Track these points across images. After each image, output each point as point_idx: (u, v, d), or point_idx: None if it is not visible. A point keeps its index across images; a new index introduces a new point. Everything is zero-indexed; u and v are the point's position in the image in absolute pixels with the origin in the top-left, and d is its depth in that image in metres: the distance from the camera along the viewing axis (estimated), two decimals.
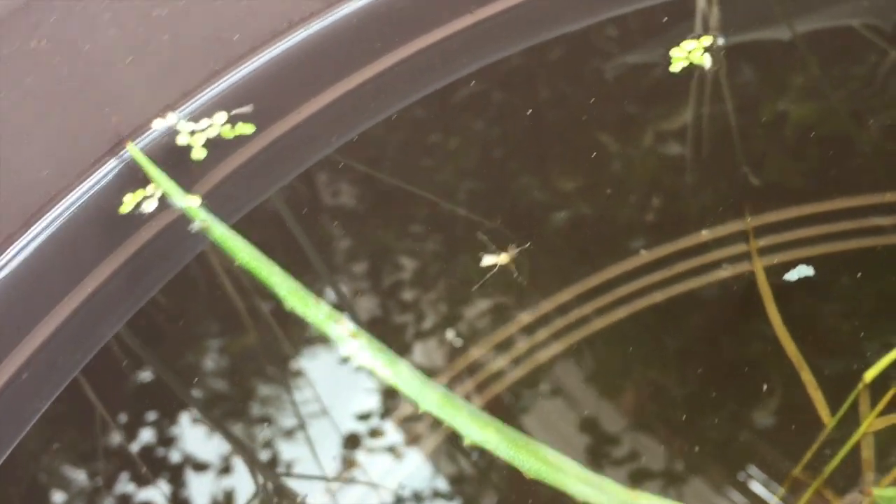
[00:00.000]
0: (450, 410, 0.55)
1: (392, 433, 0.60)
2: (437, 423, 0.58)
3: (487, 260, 0.64)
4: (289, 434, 0.61)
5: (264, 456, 0.60)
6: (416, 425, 0.60)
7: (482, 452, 0.56)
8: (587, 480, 0.53)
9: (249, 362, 0.64)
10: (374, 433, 0.60)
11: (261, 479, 0.59)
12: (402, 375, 0.56)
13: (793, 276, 0.62)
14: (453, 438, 0.58)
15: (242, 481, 0.59)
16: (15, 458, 0.59)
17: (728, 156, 0.70)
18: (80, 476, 0.60)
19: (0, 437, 0.59)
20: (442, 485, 0.58)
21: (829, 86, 0.74)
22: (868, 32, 0.76)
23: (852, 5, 0.78)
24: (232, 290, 0.66)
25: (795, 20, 0.78)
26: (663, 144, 0.72)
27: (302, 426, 0.61)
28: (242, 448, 0.60)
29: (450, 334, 0.64)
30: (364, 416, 0.61)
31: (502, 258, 0.63)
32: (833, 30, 0.78)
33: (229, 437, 0.61)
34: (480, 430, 0.54)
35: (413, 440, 0.60)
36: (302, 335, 0.65)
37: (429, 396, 0.55)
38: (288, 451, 0.60)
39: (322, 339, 0.62)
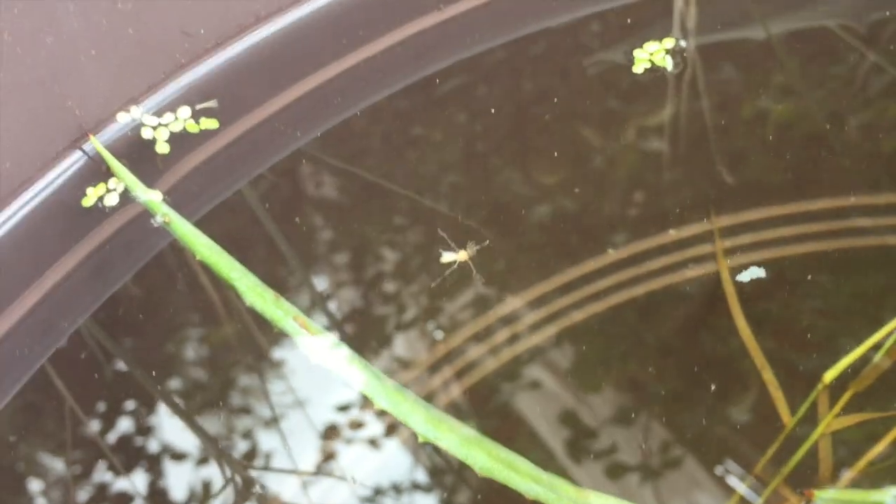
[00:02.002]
0: (404, 407, 0.55)
1: (364, 425, 0.61)
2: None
3: (447, 257, 0.65)
4: (259, 425, 0.61)
5: (235, 447, 0.61)
6: (388, 419, 0.60)
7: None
8: (538, 479, 0.53)
9: (214, 354, 0.65)
10: (348, 425, 0.61)
11: (230, 472, 0.60)
12: (358, 373, 0.57)
13: (745, 277, 0.63)
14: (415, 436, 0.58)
15: (213, 472, 0.59)
16: None
17: (695, 155, 0.71)
18: (44, 468, 0.60)
19: None
20: (410, 476, 0.59)
21: (803, 85, 0.74)
22: (843, 33, 0.77)
23: (828, 6, 0.79)
24: (194, 284, 0.67)
25: (771, 20, 0.78)
26: (628, 143, 0.72)
27: (273, 417, 0.62)
28: (212, 440, 0.61)
29: (410, 328, 0.64)
30: (337, 410, 0.62)
31: (461, 255, 0.64)
32: (808, 30, 0.78)
33: (196, 428, 0.61)
34: (434, 428, 0.54)
35: (386, 432, 0.60)
36: (269, 330, 0.65)
37: (384, 394, 0.56)
38: (260, 442, 0.61)
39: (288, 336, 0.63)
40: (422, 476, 0.60)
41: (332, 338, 0.58)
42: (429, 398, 0.60)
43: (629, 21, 0.78)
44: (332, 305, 0.67)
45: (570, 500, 0.53)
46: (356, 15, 0.77)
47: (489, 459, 0.53)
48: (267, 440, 0.61)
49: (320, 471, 0.60)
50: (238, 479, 0.60)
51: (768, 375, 0.59)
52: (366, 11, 0.77)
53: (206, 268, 0.62)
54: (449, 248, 0.65)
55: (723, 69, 0.76)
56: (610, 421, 0.59)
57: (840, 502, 0.52)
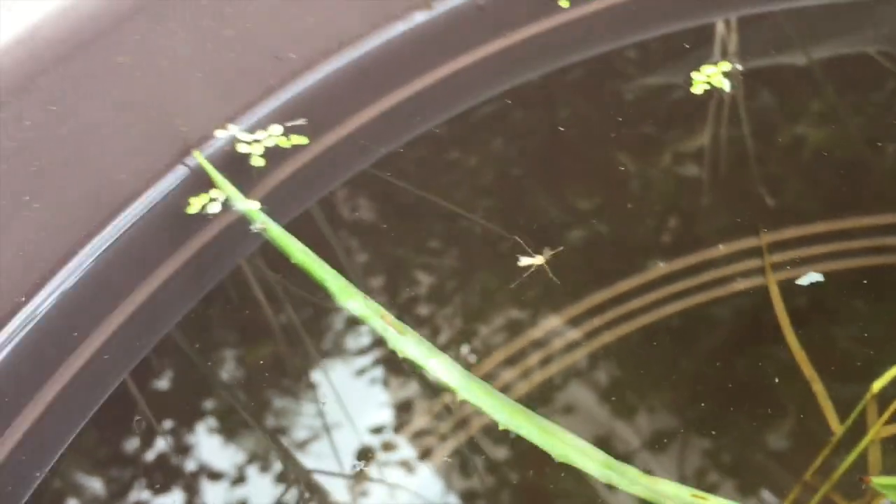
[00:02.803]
0: (486, 399, 0.60)
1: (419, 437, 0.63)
2: (453, 431, 0.62)
3: (525, 261, 0.68)
4: (331, 430, 0.64)
5: (301, 454, 0.63)
6: (430, 437, 0.63)
7: (494, 462, 0.60)
8: (610, 465, 0.57)
9: (301, 362, 0.67)
10: (394, 440, 0.63)
11: (293, 475, 0.62)
12: (443, 368, 0.61)
13: (804, 281, 0.65)
14: (470, 446, 0.61)
15: (277, 477, 0.62)
16: (82, 436, 0.64)
17: (744, 174, 0.74)
18: (134, 450, 0.64)
19: (77, 409, 0.64)
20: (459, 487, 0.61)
21: (845, 111, 0.76)
22: (884, 60, 0.79)
23: (869, 33, 0.81)
24: (287, 288, 0.70)
25: (812, 47, 0.81)
26: (682, 162, 0.75)
27: (345, 418, 0.65)
28: (287, 447, 0.63)
29: (486, 331, 0.68)
30: (398, 408, 0.65)
31: (538, 259, 0.68)
32: (849, 57, 0.80)
33: (277, 435, 0.64)
34: (514, 418, 0.59)
35: (429, 447, 0.62)
36: (353, 331, 0.69)
37: (468, 387, 0.60)
38: (325, 449, 0.63)
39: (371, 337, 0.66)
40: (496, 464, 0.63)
41: (417, 334, 0.63)
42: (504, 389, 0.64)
43: (686, 45, 0.82)
44: (417, 304, 0.70)
45: (641, 487, 0.56)
46: (428, 41, 0.81)
47: (565, 447, 0.57)
48: (326, 444, 0.64)
49: (411, 444, 0.63)
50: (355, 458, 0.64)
51: (818, 386, 0.61)
52: (436, 39, 0.82)
53: (298, 270, 0.67)
54: (526, 253, 0.69)
55: (774, 93, 0.79)
56: (663, 421, 0.62)
57: None
